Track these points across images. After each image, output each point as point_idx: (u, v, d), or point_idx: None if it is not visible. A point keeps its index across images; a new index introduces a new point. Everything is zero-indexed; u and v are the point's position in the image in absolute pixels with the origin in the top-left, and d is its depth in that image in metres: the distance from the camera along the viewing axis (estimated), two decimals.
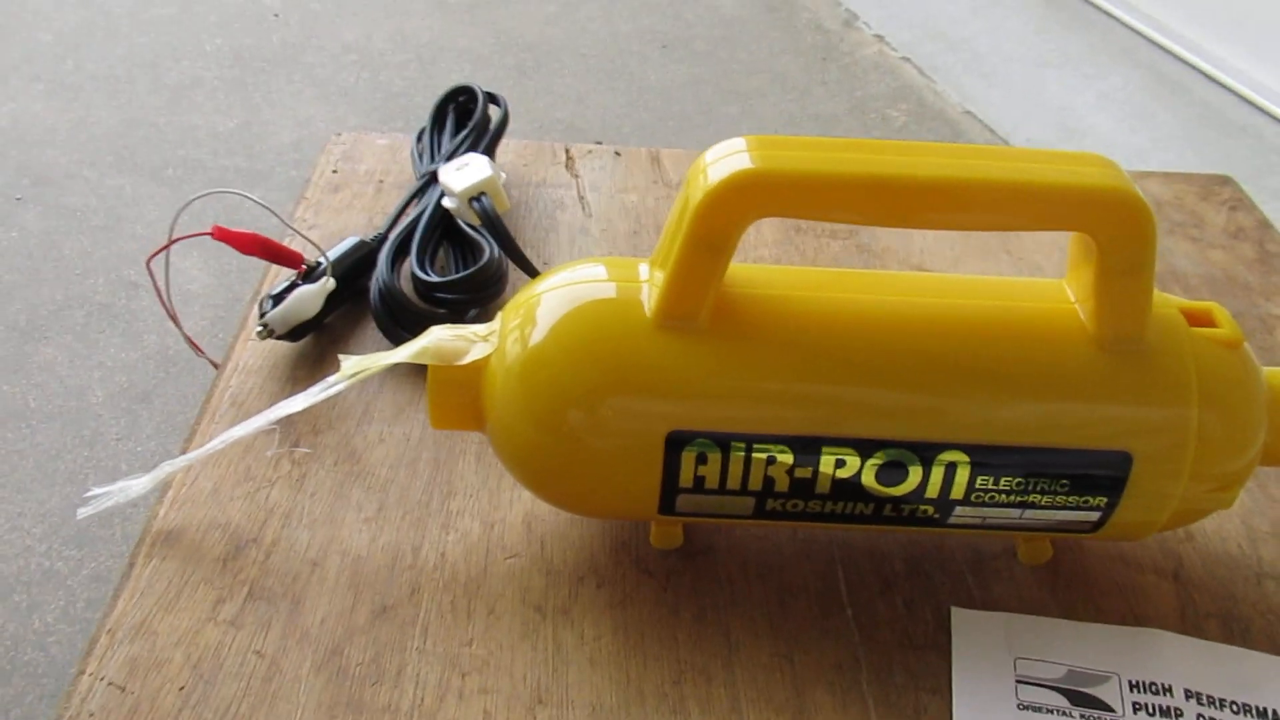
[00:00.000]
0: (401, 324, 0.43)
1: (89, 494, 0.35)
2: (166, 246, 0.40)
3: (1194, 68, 1.91)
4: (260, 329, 0.41)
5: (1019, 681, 0.32)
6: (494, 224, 0.38)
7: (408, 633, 0.33)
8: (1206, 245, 0.54)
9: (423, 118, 0.54)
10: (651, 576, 0.35)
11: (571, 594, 0.34)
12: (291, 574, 0.34)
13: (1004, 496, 0.31)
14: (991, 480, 0.31)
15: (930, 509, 0.32)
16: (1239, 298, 0.50)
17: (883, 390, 0.30)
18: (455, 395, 0.33)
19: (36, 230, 1.42)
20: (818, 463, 0.31)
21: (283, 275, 0.44)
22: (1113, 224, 0.29)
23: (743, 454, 0.30)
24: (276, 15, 1.98)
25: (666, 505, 0.32)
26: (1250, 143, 1.70)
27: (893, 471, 0.31)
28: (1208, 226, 0.56)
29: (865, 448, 0.30)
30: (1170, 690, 0.32)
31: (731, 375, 0.30)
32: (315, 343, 0.44)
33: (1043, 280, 0.33)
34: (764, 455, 0.30)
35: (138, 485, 0.35)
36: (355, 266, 0.45)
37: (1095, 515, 0.32)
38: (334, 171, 0.55)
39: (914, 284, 0.32)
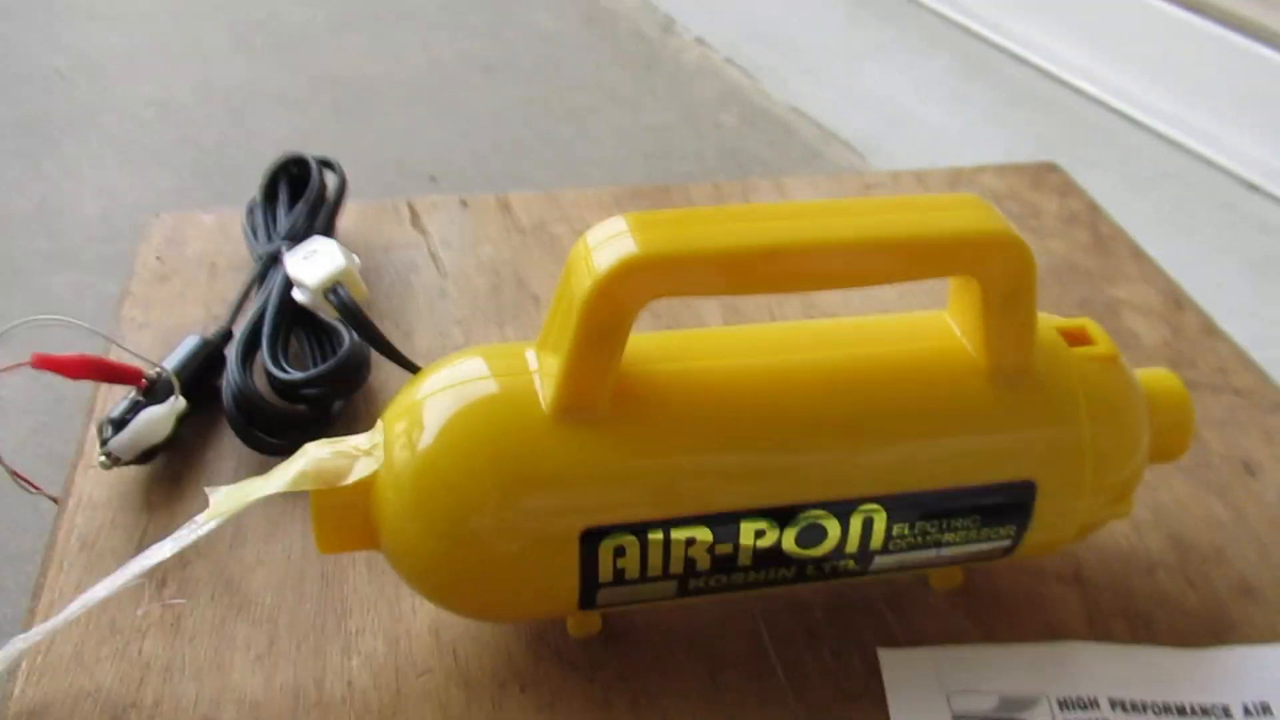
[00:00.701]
0: (261, 427, 0.40)
1: None
2: None
3: (1000, 48, 2.01)
4: (103, 459, 0.37)
5: (955, 718, 0.32)
6: (356, 318, 0.36)
7: None
8: (1045, 235, 0.56)
9: (241, 174, 0.51)
10: (576, 670, 0.33)
11: (496, 705, 0.32)
12: None
13: (920, 539, 0.31)
14: (907, 527, 0.31)
15: (851, 563, 0.32)
16: (1083, 285, 0.53)
17: (795, 455, 0.30)
18: (343, 519, 0.30)
19: None
20: (737, 537, 0.30)
21: (118, 389, 0.40)
22: (995, 266, 0.29)
23: (661, 540, 0.29)
24: (61, 73, 1.83)
25: (587, 601, 0.31)
26: (1061, 116, 1.81)
27: (812, 533, 0.30)
28: (1044, 215, 0.58)
29: (783, 515, 0.30)
30: (1096, 703, 0.32)
31: (640, 462, 0.29)
32: (167, 461, 0.40)
33: (927, 314, 0.33)
34: (683, 538, 0.29)
35: None
36: (201, 371, 0.41)
37: (1007, 543, 0.33)
38: (158, 259, 0.51)
39: (809, 336, 0.32)
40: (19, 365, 0.35)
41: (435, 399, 0.30)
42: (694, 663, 0.34)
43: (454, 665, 0.33)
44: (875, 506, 0.30)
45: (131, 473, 0.39)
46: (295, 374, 0.40)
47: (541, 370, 0.30)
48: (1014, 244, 0.29)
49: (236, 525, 0.37)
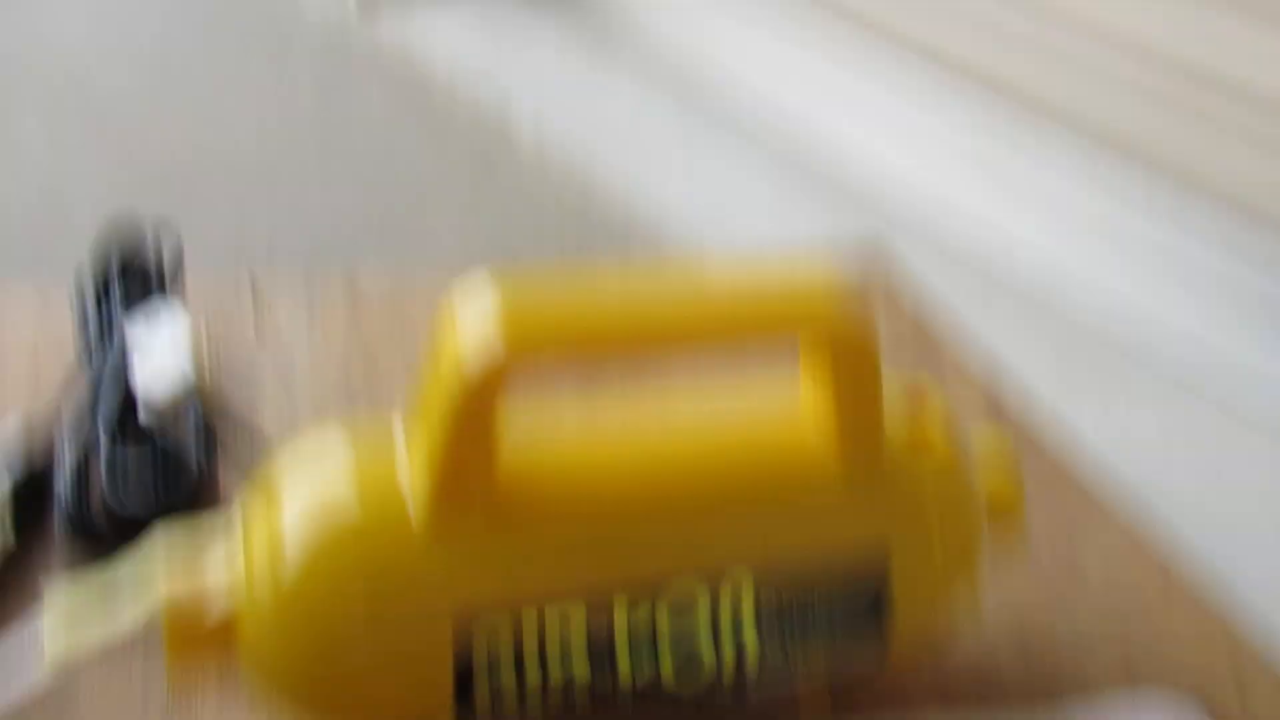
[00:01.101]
0: (96, 544, 0.37)
1: None
2: None
3: (823, 143, 2.10)
4: None
5: None
6: (206, 442, 0.34)
7: None
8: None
9: (62, 265, 0.47)
10: None
11: None
12: None
13: (787, 620, 0.32)
14: (775, 594, 0.31)
15: (727, 654, 0.32)
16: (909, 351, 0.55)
17: (661, 561, 0.30)
18: (200, 657, 0.29)
19: None
20: (610, 613, 0.30)
21: None
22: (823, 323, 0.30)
23: (538, 662, 0.29)
24: None
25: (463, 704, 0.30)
26: (880, 209, 1.90)
27: (689, 662, 0.31)
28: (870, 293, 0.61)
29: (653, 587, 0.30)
30: None
31: (512, 579, 0.29)
32: None
33: (774, 394, 0.34)
34: (560, 659, 0.29)
35: None
36: (29, 478, 0.38)
37: (874, 632, 0.33)
38: None
39: (665, 425, 0.33)
40: None
41: (297, 510, 0.29)
42: None
43: None
44: (743, 570, 0.31)
45: None
46: (137, 507, 0.37)
47: (412, 461, 0.29)
48: (852, 297, 0.30)
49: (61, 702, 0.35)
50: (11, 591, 0.36)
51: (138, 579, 0.29)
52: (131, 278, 0.46)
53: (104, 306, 0.45)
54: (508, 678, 0.29)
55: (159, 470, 0.38)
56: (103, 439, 0.38)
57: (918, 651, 0.35)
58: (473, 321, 0.28)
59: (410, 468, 0.29)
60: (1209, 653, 0.40)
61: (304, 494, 0.29)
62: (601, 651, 0.30)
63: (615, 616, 0.29)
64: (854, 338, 0.31)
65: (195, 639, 0.28)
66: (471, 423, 0.28)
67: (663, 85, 2.22)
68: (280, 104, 1.96)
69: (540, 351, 0.28)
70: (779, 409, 0.34)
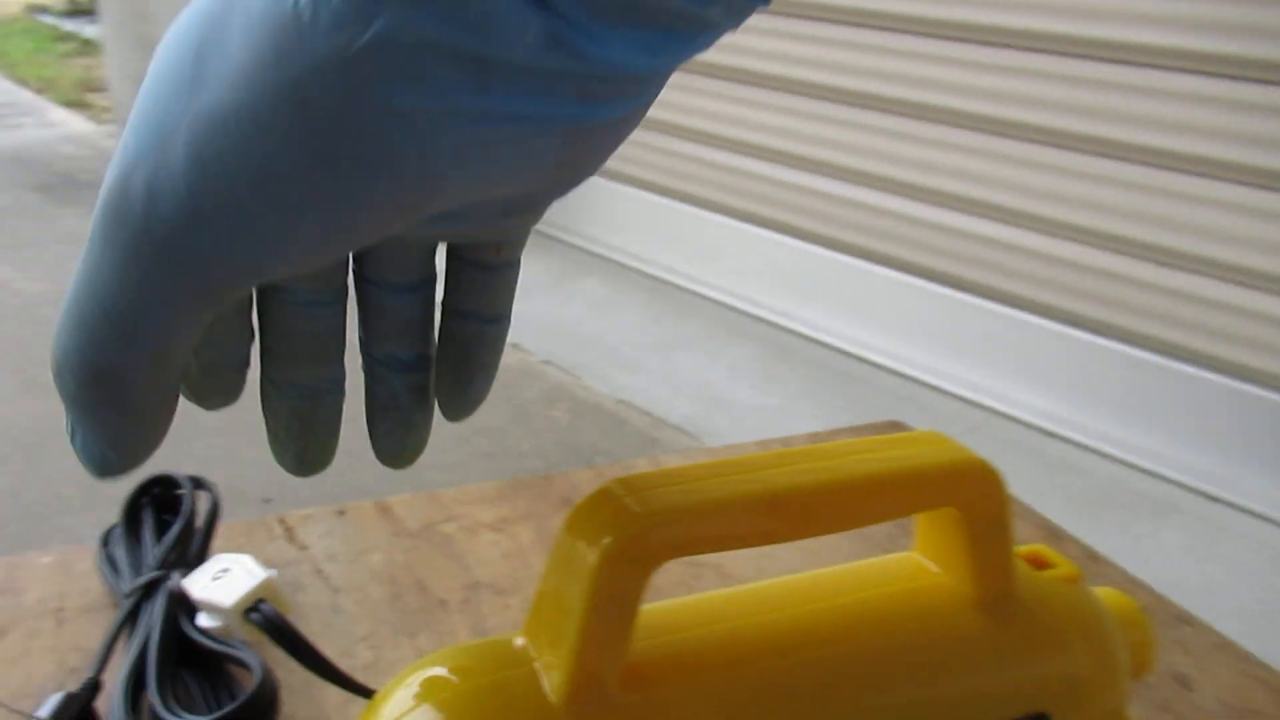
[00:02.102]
0: None
1: None
2: None
3: (795, 333, 2.20)
4: None
5: None
6: (286, 636, 0.32)
7: None
8: None
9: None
10: None
11: None
12: None
13: None
14: None
15: None
16: None
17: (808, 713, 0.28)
18: None
19: None
20: None
21: None
22: (975, 494, 0.30)
23: None
24: None
25: None
26: (861, 387, 1.96)
27: None
28: None
29: None
30: None
31: None
32: None
33: (898, 557, 0.33)
34: None
35: None
36: None
37: None
38: None
39: (797, 591, 0.31)
40: None
41: (423, 716, 0.26)
42: None
43: None
44: None
45: None
46: (195, 718, 0.34)
47: (543, 662, 0.27)
48: (988, 471, 0.30)
49: None
50: None
51: None
52: (169, 530, 0.44)
53: (138, 561, 0.43)
54: None
55: (207, 687, 0.35)
56: (151, 656, 0.35)
57: None
58: (604, 494, 0.27)
59: (540, 656, 0.27)
60: None
61: (423, 696, 0.27)
62: None
63: None
64: (994, 510, 0.30)
65: None
66: (615, 589, 0.26)
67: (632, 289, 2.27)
68: None
69: (680, 516, 0.27)
70: (897, 562, 0.33)
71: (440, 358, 0.25)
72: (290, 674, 0.40)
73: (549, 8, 0.15)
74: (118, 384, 0.19)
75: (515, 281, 0.24)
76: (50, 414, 1.71)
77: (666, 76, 0.18)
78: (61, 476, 1.52)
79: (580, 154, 0.18)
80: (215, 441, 1.61)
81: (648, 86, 0.18)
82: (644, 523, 0.26)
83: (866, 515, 0.29)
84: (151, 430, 0.21)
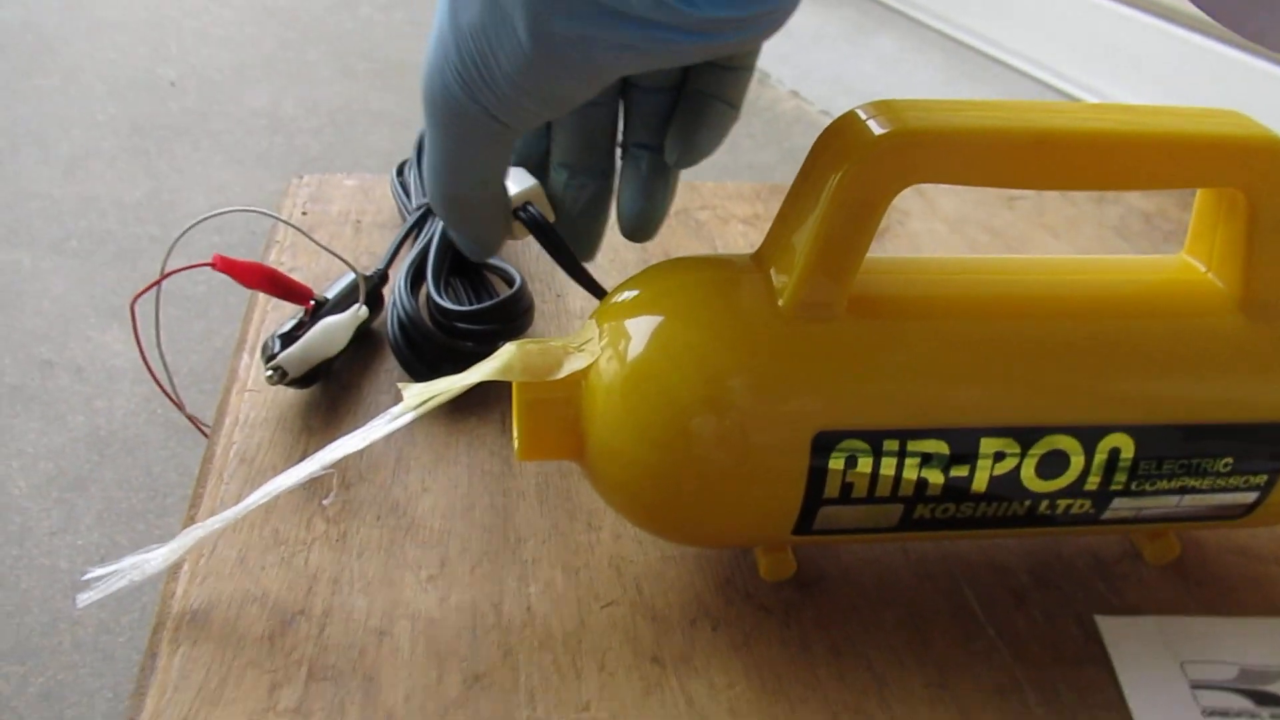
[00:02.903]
0: (423, 358, 0.38)
1: (89, 575, 0.29)
2: (158, 282, 0.35)
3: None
4: (270, 373, 0.35)
5: (1194, 687, 0.29)
6: (549, 235, 0.35)
7: (512, 701, 0.28)
8: None
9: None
10: (769, 613, 0.31)
11: (687, 640, 0.30)
12: (356, 647, 0.29)
13: (1165, 483, 0.29)
14: (1154, 465, 0.28)
15: (1087, 504, 0.29)
16: None
17: (1042, 372, 0.28)
18: (550, 418, 0.28)
19: None
20: (976, 458, 0.27)
21: (270, 321, 0.39)
22: (1266, 177, 0.27)
23: (896, 451, 0.27)
24: (173, 84, 1.87)
25: (804, 523, 0.28)
26: None
27: (1053, 463, 0.28)
28: None
29: (1026, 437, 0.27)
30: None
31: (882, 366, 0.27)
32: (323, 390, 0.38)
33: (1161, 256, 0.32)
34: (918, 454, 0.27)
35: (155, 559, 0.29)
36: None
37: (1252, 496, 0.30)
38: (304, 213, 0.50)
39: (1046, 266, 0.30)
40: (203, 264, 0.34)
41: (658, 292, 0.28)
42: (894, 614, 0.31)
43: (639, 599, 0.31)
44: (1124, 438, 0.28)
45: (287, 398, 0.38)
46: (463, 306, 0.38)
47: (773, 272, 0.28)
48: None
49: (398, 454, 0.36)
50: (339, 404, 0.38)
51: (495, 355, 0.29)
52: None
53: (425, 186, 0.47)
54: (860, 482, 0.27)
55: (472, 290, 0.40)
56: (432, 253, 0.40)
57: None
58: (878, 105, 0.27)
59: (769, 269, 0.28)
60: None
61: (666, 274, 0.29)
62: (965, 438, 0.27)
63: (979, 457, 0.27)
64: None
65: (546, 392, 0.28)
66: (862, 195, 0.26)
67: None
68: None
69: (943, 135, 0.26)
70: (1161, 259, 0.31)
71: (676, 122, 0.32)
72: (541, 300, 0.44)
73: None
74: (462, 207, 0.31)
75: (749, 79, 0.31)
76: (359, 95, 1.87)
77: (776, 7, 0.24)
78: (365, 150, 1.68)
79: (727, 48, 0.25)
80: None
81: (754, 21, 0.24)
82: (885, 144, 0.26)
83: (1135, 177, 0.28)
84: (493, 234, 0.33)
